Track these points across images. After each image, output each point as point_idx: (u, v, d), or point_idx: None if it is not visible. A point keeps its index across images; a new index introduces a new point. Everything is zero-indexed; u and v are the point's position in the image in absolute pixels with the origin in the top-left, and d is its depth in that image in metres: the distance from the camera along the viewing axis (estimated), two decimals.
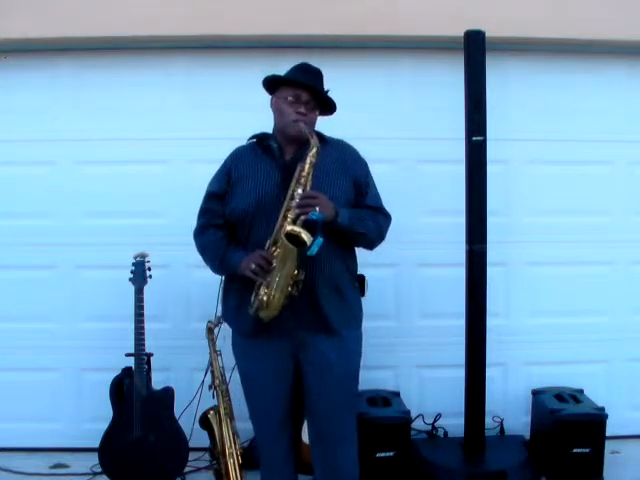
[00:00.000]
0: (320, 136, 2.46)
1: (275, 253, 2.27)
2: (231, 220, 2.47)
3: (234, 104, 3.47)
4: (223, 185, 2.49)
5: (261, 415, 2.56)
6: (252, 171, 2.45)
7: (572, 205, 3.68)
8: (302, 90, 2.41)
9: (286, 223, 2.24)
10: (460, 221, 3.29)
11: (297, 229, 2.19)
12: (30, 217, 3.56)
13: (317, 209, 2.21)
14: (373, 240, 2.50)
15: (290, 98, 2.41)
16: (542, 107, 3.62)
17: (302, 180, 2.28)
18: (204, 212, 2.55)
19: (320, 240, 2.17)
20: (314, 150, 2.28)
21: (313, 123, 2.47)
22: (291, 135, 2.43)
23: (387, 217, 2.56)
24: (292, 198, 2.27)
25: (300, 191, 2.26)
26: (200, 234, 2.55)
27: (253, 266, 2.27)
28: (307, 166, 2.28)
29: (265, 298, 2.29)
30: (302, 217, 2.21)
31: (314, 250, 2.17)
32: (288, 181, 2.33)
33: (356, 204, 2.48)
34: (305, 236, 2.17)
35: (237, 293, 2.46)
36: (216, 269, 2.54)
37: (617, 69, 3.64)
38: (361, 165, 2.55)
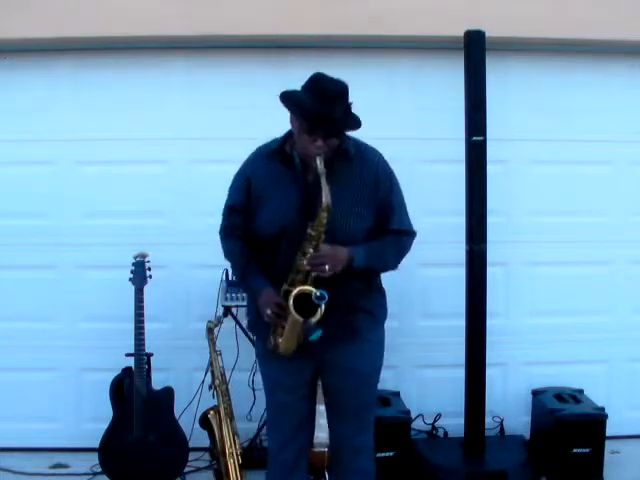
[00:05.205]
0: (346, 153, 2.36)
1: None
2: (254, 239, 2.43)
3: (234, 104, 3.46)
4: (243, 198, 2.41)
5: (281, 420, 2.52)
6: (272, 191, 2.35)
7: (572, 205, 3.67)
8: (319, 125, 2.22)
9: (296, 284, 2.23)
10: (460, 221, 3.29)
11: (308, 288, 2.20)
12: (30, 217, 3.55)
13: (327, 267, 2.19)
14: (393, 267, 2.50)
15: (306, 129, 2.22)
16: (542, 107, 3.62)
17: (313, 242, 2.23)
18: (228, 216, 2.49)
19: (319, 332, 2.20)
20: (325, 206, 2.19)
21: (334, 148, 2.30)
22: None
23: (411, 236, 2.49)
24: (303, 255, 2.24)
25: (311, 250, 2.23)
26: (224, 238, 2.52)
27: (268, 312, 2.28)
28: (318, 227, 2.22)
29: (280, 341, 2.32)
30: (313, 274, 2.22)
31: (314, 337, 2.20)
32: (309, 209, 2.25)
33: (379, 227, 2.41)
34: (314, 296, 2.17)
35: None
36: (239, 282, 2.53)
37: (617, 69, 3.64)
38: (390, 183, 2.44)
